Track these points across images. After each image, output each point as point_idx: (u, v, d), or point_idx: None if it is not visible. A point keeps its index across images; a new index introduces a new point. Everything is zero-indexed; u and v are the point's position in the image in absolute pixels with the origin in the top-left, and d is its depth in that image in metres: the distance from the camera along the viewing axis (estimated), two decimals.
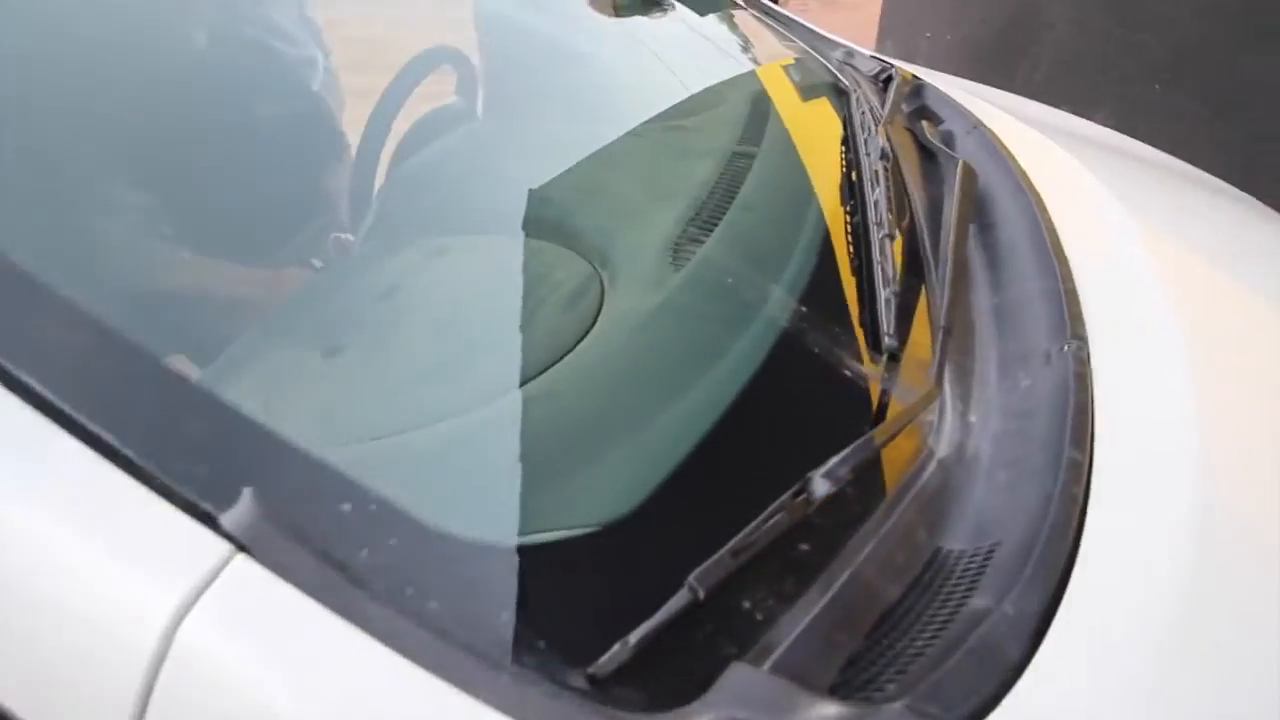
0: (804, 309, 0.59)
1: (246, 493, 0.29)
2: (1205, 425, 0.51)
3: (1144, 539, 0.44)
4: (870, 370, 0.58)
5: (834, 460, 0.42)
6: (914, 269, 0.73)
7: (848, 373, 0.56)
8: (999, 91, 1.39)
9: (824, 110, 1.09)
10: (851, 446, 0.43)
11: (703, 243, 0.66)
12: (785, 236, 0.68)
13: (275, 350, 0.61)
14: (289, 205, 1.02)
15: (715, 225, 0.68)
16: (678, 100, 1.11)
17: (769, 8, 1.37)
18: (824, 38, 1.31)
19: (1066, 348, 0.59)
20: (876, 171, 0.76)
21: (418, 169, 0.95)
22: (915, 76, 1.21)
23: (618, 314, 0.60)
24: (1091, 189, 0.85)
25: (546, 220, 0.77)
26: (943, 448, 0.54)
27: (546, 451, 0.45)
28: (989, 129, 1.04)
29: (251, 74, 1.11)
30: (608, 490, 0.42)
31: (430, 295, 0.66)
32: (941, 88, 1.20)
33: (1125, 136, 1.27)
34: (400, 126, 1.13)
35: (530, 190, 0.84)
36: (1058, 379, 0.57)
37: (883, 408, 0.56)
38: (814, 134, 0.99)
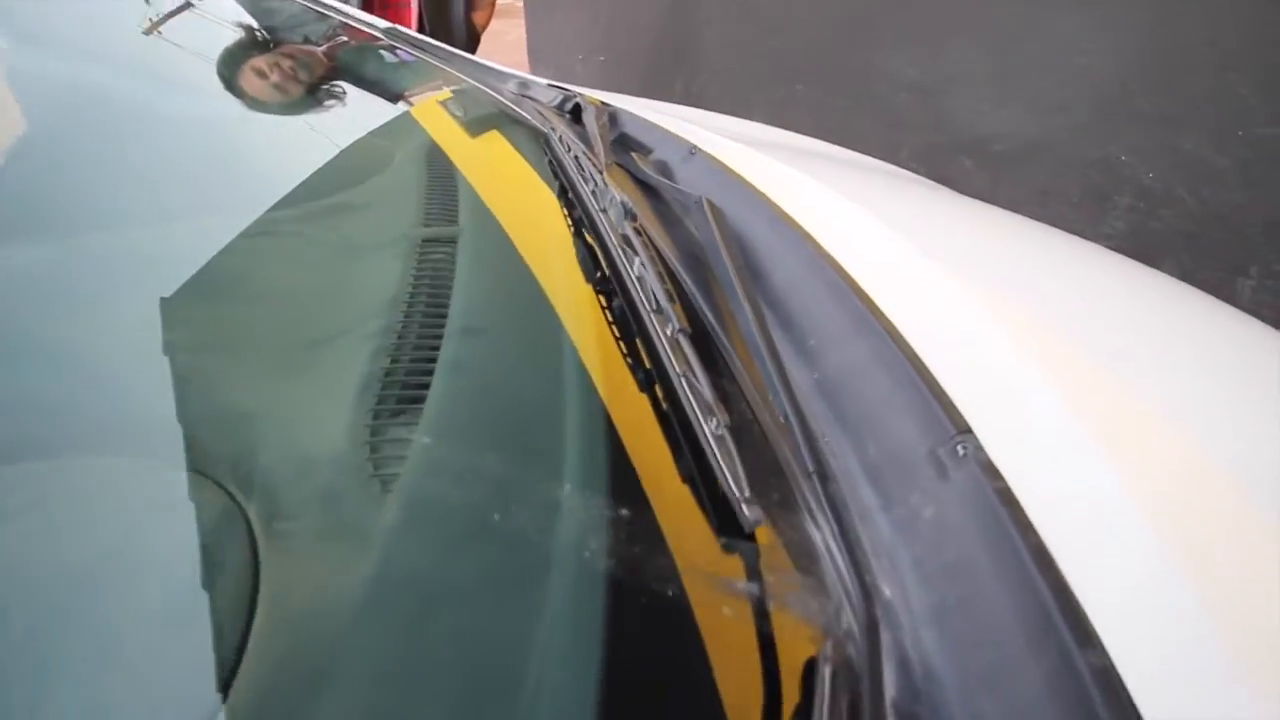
0: (615, 511, 0.36)
1: None
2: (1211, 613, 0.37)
3: None
4: (733, 572, 0.37)
5: None
6: (707, 363, 0.53)
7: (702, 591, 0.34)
8: (678, 106, 1.29)
9: (503, 151, 0.88)
10: None
11: (415, 417, 0.40)
12: (542, 374, 0.44)
13: None
14: None
15: (427, 378, 0.42)
16: (318, 166, 0.82)
17: (410, 35, 1.12)
18: (487, 67, 1.10)
19: (962, 450, 0.43)
20: (627, 237, 0.55)
21: None
22: (604, 102, 1.05)
23: (289, 607, 0.31)
24: (852, 214, 0.73)
25: (124, 415, 0.44)
26: (889, 675, 0.34)
27: None
28: (706, 153, 0.89)
29: None
30: None
31: None
32: (630, 109, 1.05)
33: (817, 140, 1.23)
34: None
35: (88, 356, 0.50)
36: (975, 503, 0.40)
37: (768, 640, 0.35)
38: (511, 196, 0.77)
